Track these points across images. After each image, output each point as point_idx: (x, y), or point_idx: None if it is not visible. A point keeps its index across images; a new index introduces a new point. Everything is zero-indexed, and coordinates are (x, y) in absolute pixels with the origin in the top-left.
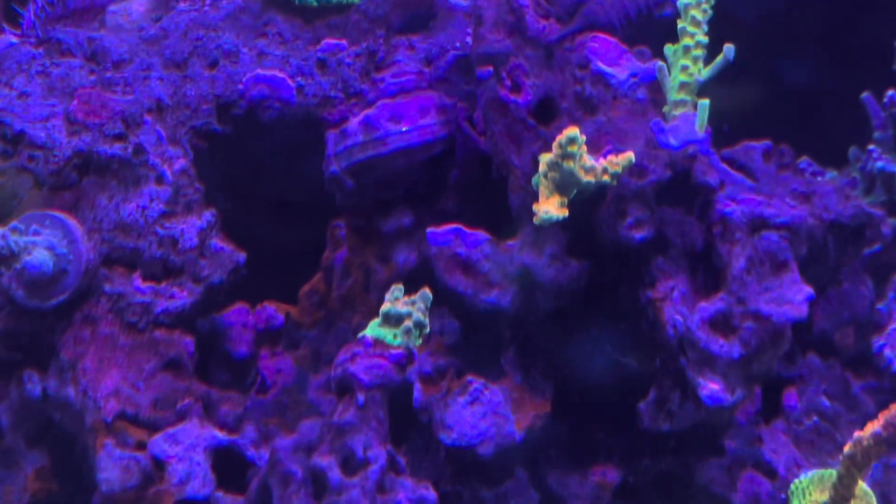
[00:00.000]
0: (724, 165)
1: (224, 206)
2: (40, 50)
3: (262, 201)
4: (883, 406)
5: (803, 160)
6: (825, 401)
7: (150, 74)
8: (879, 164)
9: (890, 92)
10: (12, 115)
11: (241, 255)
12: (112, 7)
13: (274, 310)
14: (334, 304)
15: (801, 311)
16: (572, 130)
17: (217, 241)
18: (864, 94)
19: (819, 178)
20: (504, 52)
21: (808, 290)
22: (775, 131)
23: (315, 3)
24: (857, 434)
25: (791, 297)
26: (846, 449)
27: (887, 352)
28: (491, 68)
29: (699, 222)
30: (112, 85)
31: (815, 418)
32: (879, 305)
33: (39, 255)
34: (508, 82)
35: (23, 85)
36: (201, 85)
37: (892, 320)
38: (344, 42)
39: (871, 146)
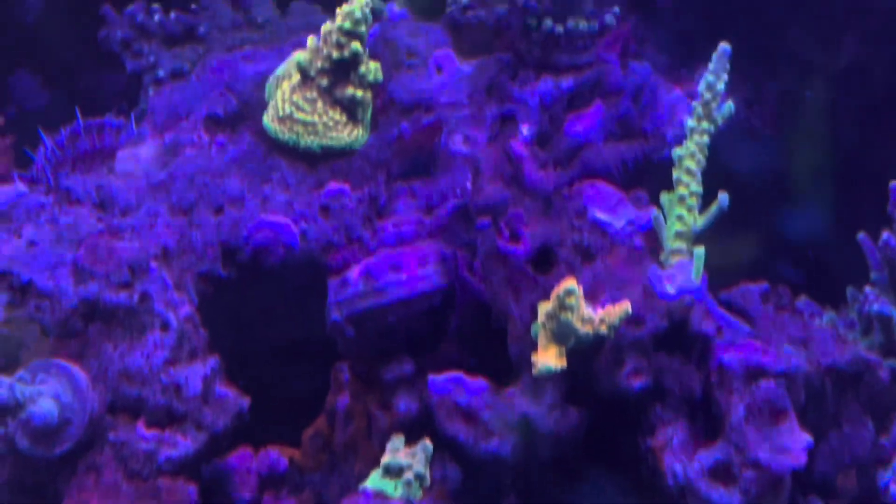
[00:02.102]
0: (722, 310)
1: (229, 349)
2: (49, 198)
3: (266, 344)
4: None
5: (802, 300)
6: None
7: (156, 221)
8: (876, 306)
9: (885, 234)
10: (21, 264)
11: (245, 401)
12: (121, 153)
13: (277, 454)
14: (338, 449)
15: (800, 459)
16: (570, 283)
17: (221, 388)
18: (861, 235)
19: (817, 320)
20: (502, 203)
21: (807, 438)
22: (774, 268)
23: (318, 150)
24: None
25: (790, 446)
26: None
27: (893, 487)
28: (490, 219)
29: (697, 370)
30: (119, 232)
31: None
32: (883, 440)
33: (45, 405)
34: (507, 232)
35: (32, 234)
36: (207, 231)
37: None
38: (346, 186)
39: (867, 288)
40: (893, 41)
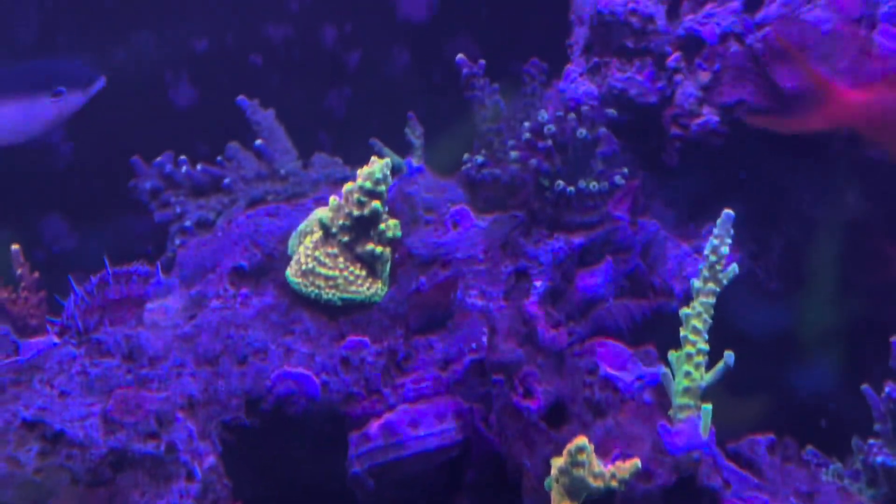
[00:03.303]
0: (730, 463)
1: (251, 495)
2: (81, 350)
3: (287, 491)
4: None
5: (808, 450)
6: None
7: (182, 371)
8: (880, 458)
9: (888, 386)
10: (53, 414)
11: None
12: (149, 304)
13: None
14: None
15: None
16: (581, 440)
17: None
18: (865, 387)
19: (823, 470)
20: (516, 361)
21: None
22: (780, 419)
23: (339, 303)
24: None
25: None
26: None
27: None
28: (504, 375)
29: None
30: (147, 382)
31: None
32: None
33: None
34: (521, 389)
35: (64, 385)
36: (231, 381)
37: None
38: (366, 339)
39: (871, 440)
40: (893, 196)
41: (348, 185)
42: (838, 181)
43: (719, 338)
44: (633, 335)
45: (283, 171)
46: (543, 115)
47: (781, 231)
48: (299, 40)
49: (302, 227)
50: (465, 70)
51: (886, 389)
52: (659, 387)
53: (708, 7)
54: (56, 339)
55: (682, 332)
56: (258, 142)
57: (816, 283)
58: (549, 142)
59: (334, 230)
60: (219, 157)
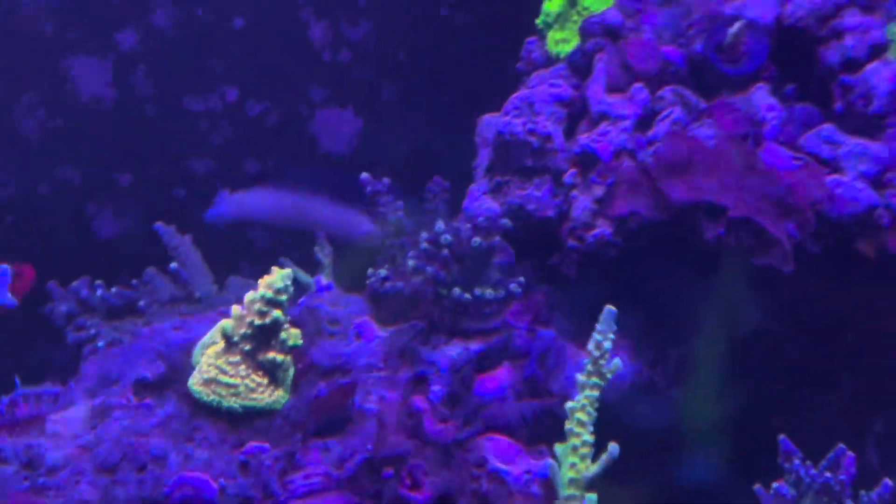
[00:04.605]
0: None
1: None
2: None
3: None
4: None
5: None
6: None
7: (81, 479)
8: None
9: (776, 484)
10: None
11: None
12: (52, 416)
13: None
14: None
15: None
16: None
17: None
18: (756, 487)
19: None
20: (404, 453)
21: None
22: None
23: (240, 410)
24: None
25: None
26: None
27: None
28: (393, 469)
29: None
30: (44, 490)
31: None
32: None
33: None
34: (408, 481)
35: None
36: (129, 488)
37: None
38: (266, 444)
39: None
40: (794, 313)
41: (250, 295)
42: (729, 290)
43: (618, 440)
44: (526, 435)
45: (197, 294)
46: (441, 225)
47: (679, 341)
48: (222, 172)
49: (206, 338)
50: (368, 188)
51: (774, 486)
52: (547, 480)
53: (602, 126)
54: None
55: (567, 425)
56: (173, 265)
57: (710, 387)
58: (446, 251)
59: (236, 339)
60: (134, 281)
